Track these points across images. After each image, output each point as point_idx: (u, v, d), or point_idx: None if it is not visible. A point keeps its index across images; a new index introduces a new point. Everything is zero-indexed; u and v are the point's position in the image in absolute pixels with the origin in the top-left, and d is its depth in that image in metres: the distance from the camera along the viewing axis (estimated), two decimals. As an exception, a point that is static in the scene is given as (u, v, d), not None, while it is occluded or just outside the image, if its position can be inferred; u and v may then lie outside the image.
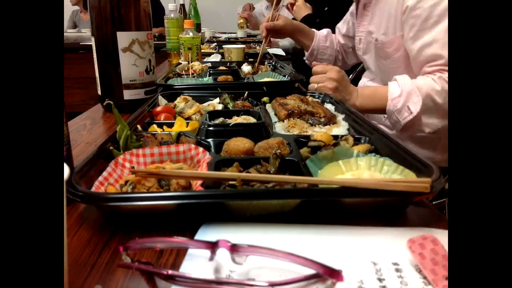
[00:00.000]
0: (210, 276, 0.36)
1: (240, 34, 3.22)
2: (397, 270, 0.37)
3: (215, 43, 2.52)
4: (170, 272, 0.35)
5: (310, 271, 0.34)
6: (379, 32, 1.13)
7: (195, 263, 0.38)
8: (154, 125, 0.72)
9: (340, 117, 0.83)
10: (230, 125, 0.71)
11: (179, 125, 0.71)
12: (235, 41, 2.83)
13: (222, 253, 0.35)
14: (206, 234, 0.42)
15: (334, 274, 0.33)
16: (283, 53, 2.32)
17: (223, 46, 1.99)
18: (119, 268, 0.37)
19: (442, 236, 0.37)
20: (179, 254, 0.40)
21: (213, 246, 0.35)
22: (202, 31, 2.79)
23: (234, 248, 0.34)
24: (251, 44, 2.55)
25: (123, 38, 0.91)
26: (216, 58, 1.84)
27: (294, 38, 1.56)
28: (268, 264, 0.36)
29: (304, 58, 1.62)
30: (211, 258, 0.35)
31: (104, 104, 0.57)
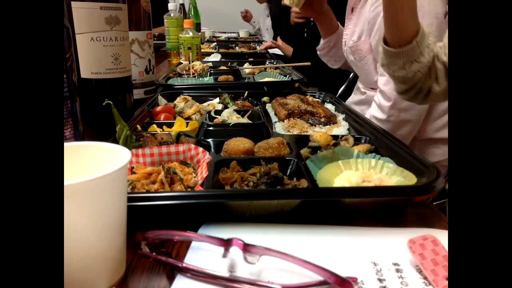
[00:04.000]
0: (215, 270, 0.36)
1: (242, 34, 3.22)
2: (398, 270, 0.37)
3: (215, 43, 2.52)
4: (184, 265, 0.36)
5: (312, 274, 0.33)
6: (357, 35, 1.15)
7: (199, 256, 0.38)
8: (154, 125, 0.72)
9: (340, 117, 0.83)
10: (230, 125, 0.70)
11: (179, 125, 0.71)
12: (235, 40, 2.83)
13: (220, 250, 0.35)
14: (206, 233, 0.42)
15: (345, 284, 0.32)
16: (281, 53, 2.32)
17: None
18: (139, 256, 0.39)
19: (442, 237, 0.37)
20: (181, 247, 0.41)
21: (226, 243, 0.35)
22: (202, 30, 2.79)
23: (246, 248, 0.34)
24: (251, 44, 2.55)
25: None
26: (216, 57, 1.84)
27: (320, 19, 1.35)
28: (267, 265, 0.36)
29: (317, 48, 1.48)
30: (225, 255, 0.35)
31: (103, 104, 0.56)
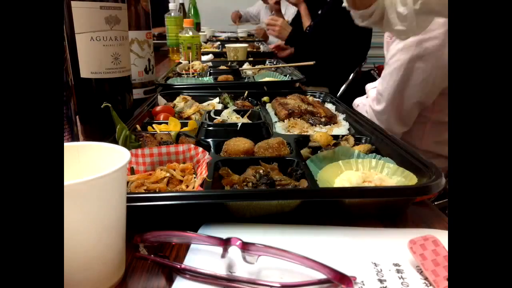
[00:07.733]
0: (215, 271, 0.36)
1: (242, 33, 3.22)
2: (398, 271, 0.37)
3: (219, 42, 2.51)
4: (183, 266, 0.36)
5: (315, 274, 0.33)
6: None
7: (198, 257, 0.38)
8: (154, 125, 0.72)
9: (340, 116, 0.83)
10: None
11: (173, 126, 0.70)
12: (235, 40, 2.82)
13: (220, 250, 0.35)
14: (205, 234, 0.42)
15: (344, 280, 0.32)
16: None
17: (225, 45, 1.94)
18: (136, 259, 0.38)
19: (443, 237, 0.37)
20: (180, 248, 0.41)
21: (225, 243, 0.35)
22: (202, 30, 2.79)
23: (245, 247, 0.34)
24: (254, 43, 2.54)
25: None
26: (208, 57, 1.82)
27: None
28: (267, 264, 0.36)
29: None
30: (223, 255, 0.35)
31: (102, 107, 0.56)
